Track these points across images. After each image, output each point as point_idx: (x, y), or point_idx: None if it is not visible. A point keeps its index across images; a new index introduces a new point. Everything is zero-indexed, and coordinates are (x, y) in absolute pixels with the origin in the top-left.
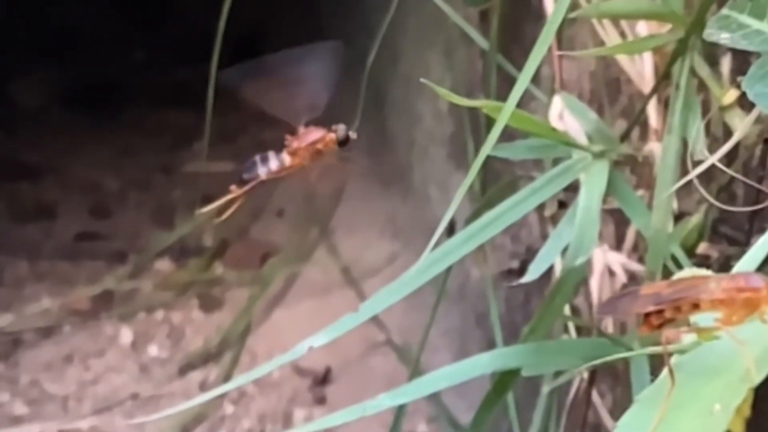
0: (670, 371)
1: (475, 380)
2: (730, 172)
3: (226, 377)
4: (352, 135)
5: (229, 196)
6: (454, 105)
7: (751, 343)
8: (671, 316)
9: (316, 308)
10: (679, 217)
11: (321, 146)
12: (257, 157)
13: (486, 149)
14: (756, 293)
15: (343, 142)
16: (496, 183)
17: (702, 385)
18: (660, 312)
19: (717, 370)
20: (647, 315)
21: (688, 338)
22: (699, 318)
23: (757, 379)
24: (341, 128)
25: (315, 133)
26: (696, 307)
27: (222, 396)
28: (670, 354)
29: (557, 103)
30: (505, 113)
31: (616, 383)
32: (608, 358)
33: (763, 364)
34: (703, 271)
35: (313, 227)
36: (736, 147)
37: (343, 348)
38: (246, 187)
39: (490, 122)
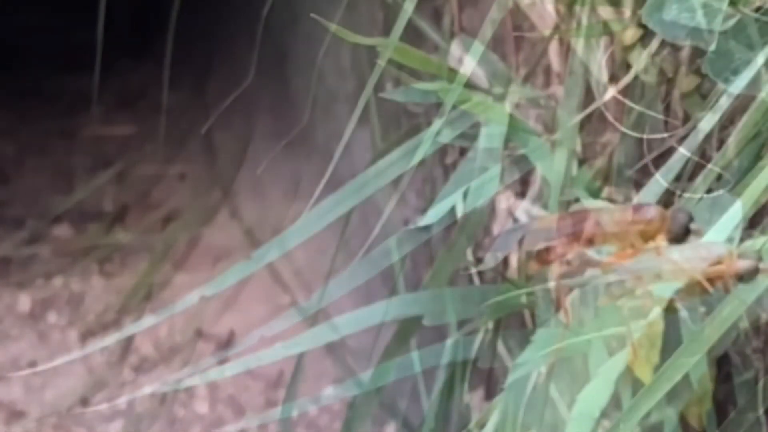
0: (564, 308)
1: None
2: (637, 107)
3: (127, 343)
4: None
5: None
6: (357, 61)
7: (647, 273)
8: (564, 251)
9: (218, 272)
10: (583, 162)
11: None
12: None
13: (372, 80)
14: (650, 225)
15: None
16: None
17: (600, 317)
18: (552, 247)
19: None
20: (539, 251)
21: (589, 272)
22: (594, 251)
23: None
24: None
25: None
26: (590, 241)
27: (122, 363)
28: (567, 290)
29: (456, 46)
30: (390, 44)
31: (524, 341)
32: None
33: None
34: (599, 203)
35: (215, 190)
36: (641, 89)
37: (247, 311)
38: None
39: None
